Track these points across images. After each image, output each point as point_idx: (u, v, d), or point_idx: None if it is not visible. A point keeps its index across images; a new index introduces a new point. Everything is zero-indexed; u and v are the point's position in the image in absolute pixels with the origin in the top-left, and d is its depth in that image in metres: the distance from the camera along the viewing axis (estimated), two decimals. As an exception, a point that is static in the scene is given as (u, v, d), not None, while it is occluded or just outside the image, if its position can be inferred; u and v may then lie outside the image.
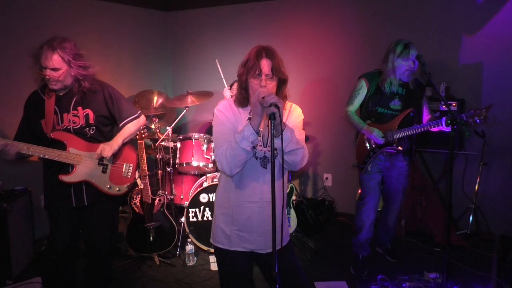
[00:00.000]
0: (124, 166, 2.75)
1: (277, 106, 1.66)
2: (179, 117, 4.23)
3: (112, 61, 4.91)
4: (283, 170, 1.92)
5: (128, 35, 5.12)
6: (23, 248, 3.55)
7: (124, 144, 2.73)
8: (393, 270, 3.44)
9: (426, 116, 3.38)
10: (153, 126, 4.24)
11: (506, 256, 3.62)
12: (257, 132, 1.80)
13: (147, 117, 4.28)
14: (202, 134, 4.12)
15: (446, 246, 2.59)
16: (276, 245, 1.64)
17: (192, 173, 4.36)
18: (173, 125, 4.16)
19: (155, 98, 4.67)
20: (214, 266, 3.60)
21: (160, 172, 4.23)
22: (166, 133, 4.09)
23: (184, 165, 4.05)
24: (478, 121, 2.90)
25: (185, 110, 4.21)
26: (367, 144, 3.37)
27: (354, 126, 3.42)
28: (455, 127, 2.55)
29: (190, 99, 4.21)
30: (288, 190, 3.97)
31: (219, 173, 3.87)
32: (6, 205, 3.28)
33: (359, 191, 3.59)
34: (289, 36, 4.93)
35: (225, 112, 1.98)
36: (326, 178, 4.99)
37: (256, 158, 1.97)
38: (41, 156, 2.46)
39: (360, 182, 3.50)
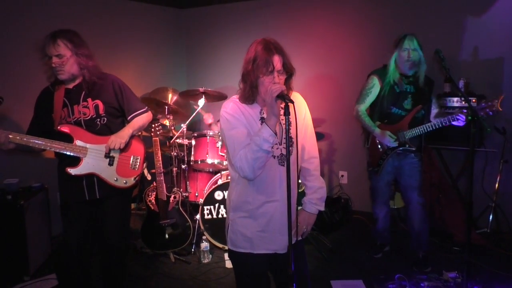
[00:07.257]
0: (132, 158, 2.72)
1: (291, 100, 1.71)
2: (194, 114, 4.21)
3: (126, 59, 4.93)
4: (298, 166, 1.95)
5: (142, 32, 5.13)
6: (40, 244, 3.58)
7: (131, 137, 2.71)
8: (411, 269, 3.38)
9: (433, 111, 3.34)
10: (167, 123, 4.24)
11: (528, 256, 3.54)
12: (275, 133, 1.80)
13: (162, 114, 4.29)
14: (216, 131, 4.08)
15: (467, 245, 2.53)
16: (291, 241, 1.70)
17: (207, 170, 4.35)
18: (187, 122, 4.15)
19: (170, 96, 4.67)
20: (229, 264, 3.58)
21: (175, 169, 4.23)
22: (180, 130, 4.09)
23: (199, 162, 4.04)
24: (490, 113, 2.83)
25: (199, 109, 4.19)
26: (379, 146, 3.38)
27: (364, 127, 3.41)
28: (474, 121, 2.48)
29: (204, 97, 4.19)
30: (302, 189, 3.92)
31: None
32: (24, 202, 3.31)
33: None
34: (304, 32, 4.88)
35: (236, 115, 1.91)
36: (342, 176, 4.93)
37: (274, 157, 1.95)
38: (47, 149, 2.48)
39: (370, 182, 3.57)
